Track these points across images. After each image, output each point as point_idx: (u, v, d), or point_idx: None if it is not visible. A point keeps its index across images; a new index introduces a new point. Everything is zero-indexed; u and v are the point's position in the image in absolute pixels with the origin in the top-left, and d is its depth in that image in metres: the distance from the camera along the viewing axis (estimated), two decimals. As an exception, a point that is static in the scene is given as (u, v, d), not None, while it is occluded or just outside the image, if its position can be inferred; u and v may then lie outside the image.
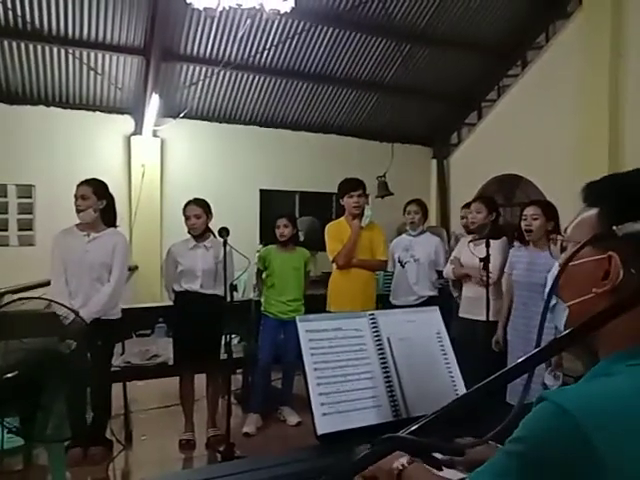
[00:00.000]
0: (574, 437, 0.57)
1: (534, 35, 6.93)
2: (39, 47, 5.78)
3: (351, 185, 3.75)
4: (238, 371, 4.55)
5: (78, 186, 3.18)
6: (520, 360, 0.65)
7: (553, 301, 0.76)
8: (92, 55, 6.02)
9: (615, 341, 0.68)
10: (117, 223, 3.36)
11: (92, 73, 6.20)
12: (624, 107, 5.58)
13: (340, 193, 3.80)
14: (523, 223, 3.18)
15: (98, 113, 6.58)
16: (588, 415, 0.57)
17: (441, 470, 1.17)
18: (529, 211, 3.16)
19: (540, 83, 6.60)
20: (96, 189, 3.18)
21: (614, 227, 0.63)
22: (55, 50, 5.85)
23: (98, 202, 3.19)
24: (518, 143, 6.71)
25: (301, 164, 7.43)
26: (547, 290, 0.79)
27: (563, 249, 0.79)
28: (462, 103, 7.90)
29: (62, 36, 5.71)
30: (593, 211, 0.73)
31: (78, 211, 3.16)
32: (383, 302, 4.28)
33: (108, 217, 3.27)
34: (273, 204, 7.25)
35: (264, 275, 4.06)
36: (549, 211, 3.14)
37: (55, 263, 3.16)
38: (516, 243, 3.36)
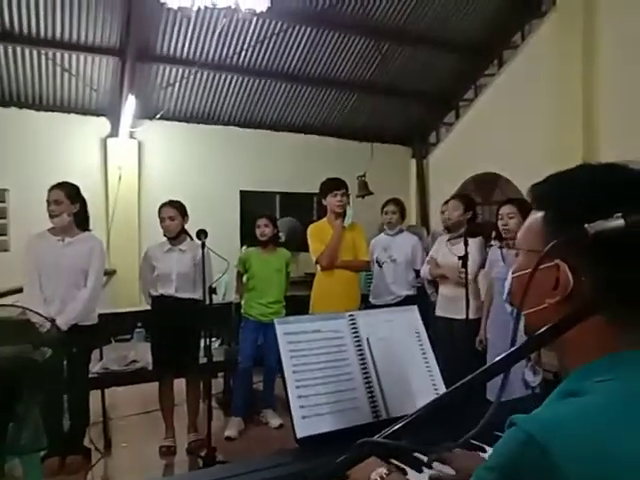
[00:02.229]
0: (542, 467, 0.54)
1: (510, 34, 7.01)
2: (10, 48, 5.64)
3: (334, 184, 3.73)
4: (220, 375, 4.51)
5: (50, 190, 3.11)
6: (497, 359, 0.65)
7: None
8: (66, 56, 5.91)
9: (582, 353, 0.65)
10: (91, 226, 3.29)
11: (66, 74, 6.08)
12: (598, 105, 5.68)
13: (322, 193, 3.78)
14: (500, 222, 3.21)
15: (73, 115, 6.46)
16: (556, 443, 0.55)
17: (421, 471, 1.17)
18: (505, 210, 3.19)
19: (516, 82, 6.68)
20: (69, 193, 3.12)
21: (586, 225, 0.59)
22: (27, 51, 5.72)
23: (72, 206, 3.12)
24: (496, 142, 6.79)
25: (281, 165, 7.40)
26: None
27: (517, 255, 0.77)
28: (440, 102, 7.96)
29: (34, 36, 5.59)
30: (539, 215, 0.71)
31: (52, 216, 3.09)
32: (364, 302, 4.28)
33: (81, 221, 3.21)
34: (253, 205, 7.20)
35: (245, 278, 4.03)
36: (525, 209, 3.17)
37: (29, 269, 3.08)
38: (494, 242, 3.39)
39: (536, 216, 0.71)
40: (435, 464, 1.16)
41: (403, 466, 1.20)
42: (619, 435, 0.56)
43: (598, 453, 0.54)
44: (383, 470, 0.96)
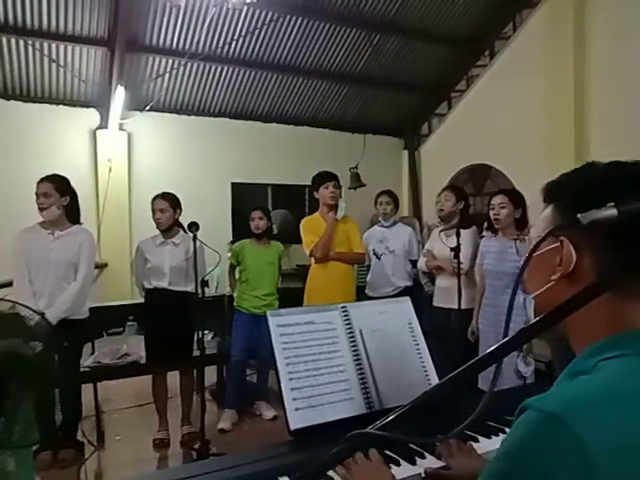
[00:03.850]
0: (567, 442, 0.54)
1: (501, 25, 6.99)
2: (-4, 38, 5.55)
3: (326, 176, 3.73)
4: (212, 367, 4.50)
5: (39, 183, 3.06)
6: (489, 350, 0.65)
7: (523, 296, 0.77)
8: (53, 46, 5.81)
9: (586, 335, 0.68)
10: (81, 220, 3.26)
11: (54, 65, 5.99)
12: (589, 96, 5.70)
13: (315, 185, 3.77)
14: (491, 212, 3.22)
15: (62, 107, 6.37)
16: (576, 416, 0.55)
17: (414, 464, 1.18)
18: (496, 200, 3.20)
19: (508, 73, 6.68)
20: (58, 185, 3.07)
21: (579, 215, 0.64)
22: (13, 41, 5.62)
23: (61, 199, 3.08)
24: (488, 133, 6.79)
25: (273, 156, 7.36)
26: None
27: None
28: (432, 93, 7.94)
29: (20, 26, 5.49)
30: (549, 207, 0.78)
31: (41, 209, 3.05)
32: (358, 294, 4.28)
33: (72, 214, 3.17)
34: (245, 197, 7.17)
35: (238, 270, 4.02)
36: (516, 199, 3.18)
37: (18, 263, 3.04)
38: (486, 233, 3.40)
39: (547, 209, 0.79)
40: (428, 456, 1.17)
41: (397, 457, 1.20)
42: (630, 408, 0.57)
43: (614, 426, 0.55)
44: None
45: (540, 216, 0.80)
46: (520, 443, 0.56)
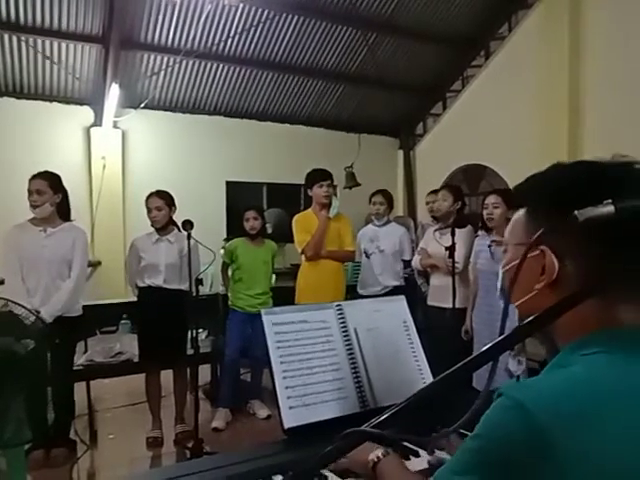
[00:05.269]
0: (530, 431, 0.57)
1: (497, 25, 7.02)
2: (-11, 34, 5.51)
3: (320, 175, 3.73)
4: (206, 366, 4.49)
5: (31, 180, 3.04)
6: (484, 349, 0.65)
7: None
8: (47, 43, 5.77)
9: (570, 332, 0.69)
10: (72, 217, 3.24)
11: (48, 62, 5.95)
12: (584, 96, 5.73)
13: (308, 183, 3.76)
14: (485, 212, 3.23)
15: (55, 104, 6.33)
16: (543, 407, 0.58)
17: (408, 459, 1.18)
18: (490, 200, 3.21)
19: (503, 73, 6.70)
20: (52, 182, 3.05)
21: (576, 212, 0.62)
22: (7, 37, 5.58)
23: (54, 196, 3.06)
24: (483, 133, 6.81)
25: (268, 155, 7.35)
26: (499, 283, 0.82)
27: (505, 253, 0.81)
28: (427, 93, 7.95)
29: (13, 22, 5.45)
30: (521, 211, 0.76)
31: (34, 206, 3.03)
32: (351, 292, 4.28)
33: (63, 211, 3.15)
34: (240, 196, 7.15)
35: (232, 268, 4.01)
36: (510, 199, 3.19)
37: (10, 260, 3.02)
38: (480, 232, 3.41)
39: (519, 212, 0.77)
40: (422, 452, 1.17)
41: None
42: (598, 397, 0.59)
43: (582, 413, 0.58)
44: (380, 452, 0.99)
45: (512, 221, 0.78)
46: (489, 425, 0.61)
